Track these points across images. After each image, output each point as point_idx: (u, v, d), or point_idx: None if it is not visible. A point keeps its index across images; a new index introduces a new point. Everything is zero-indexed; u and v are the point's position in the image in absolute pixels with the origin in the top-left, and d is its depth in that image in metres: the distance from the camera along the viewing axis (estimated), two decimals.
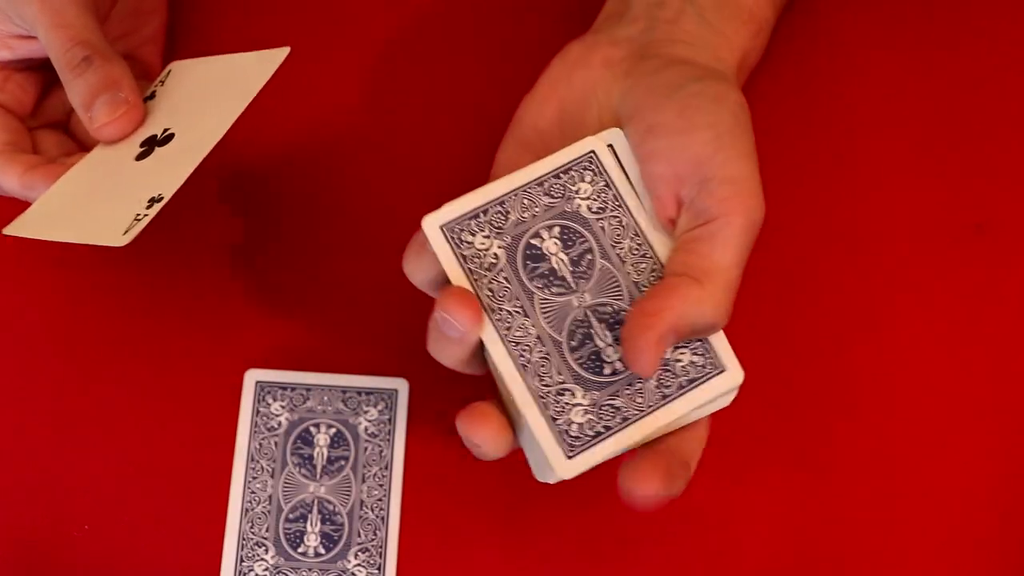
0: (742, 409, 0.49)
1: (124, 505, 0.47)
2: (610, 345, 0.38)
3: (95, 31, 0.45)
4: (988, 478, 0.49)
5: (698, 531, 0.48)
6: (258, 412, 0.48)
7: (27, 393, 0.48)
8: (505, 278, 0.38)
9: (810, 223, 0.51)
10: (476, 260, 0.38)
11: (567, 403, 0.37)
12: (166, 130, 0.44)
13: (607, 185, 0.39)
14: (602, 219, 0.39)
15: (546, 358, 0.37)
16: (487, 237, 0.38)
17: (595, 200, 0.39)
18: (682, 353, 0.38)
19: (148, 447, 0.48)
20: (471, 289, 0.38)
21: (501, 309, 0.38)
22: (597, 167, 0.39)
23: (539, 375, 0.37)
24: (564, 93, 0.42)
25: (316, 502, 0.47)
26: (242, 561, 0.46)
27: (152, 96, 0.47)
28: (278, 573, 0.46)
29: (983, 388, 0.50)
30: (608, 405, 0.37)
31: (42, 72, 0.48)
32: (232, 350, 0.49)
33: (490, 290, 0.38)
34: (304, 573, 0.46)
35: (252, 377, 0.49)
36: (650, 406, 0.37)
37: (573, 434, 0.37)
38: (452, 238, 0.38)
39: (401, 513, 0.47)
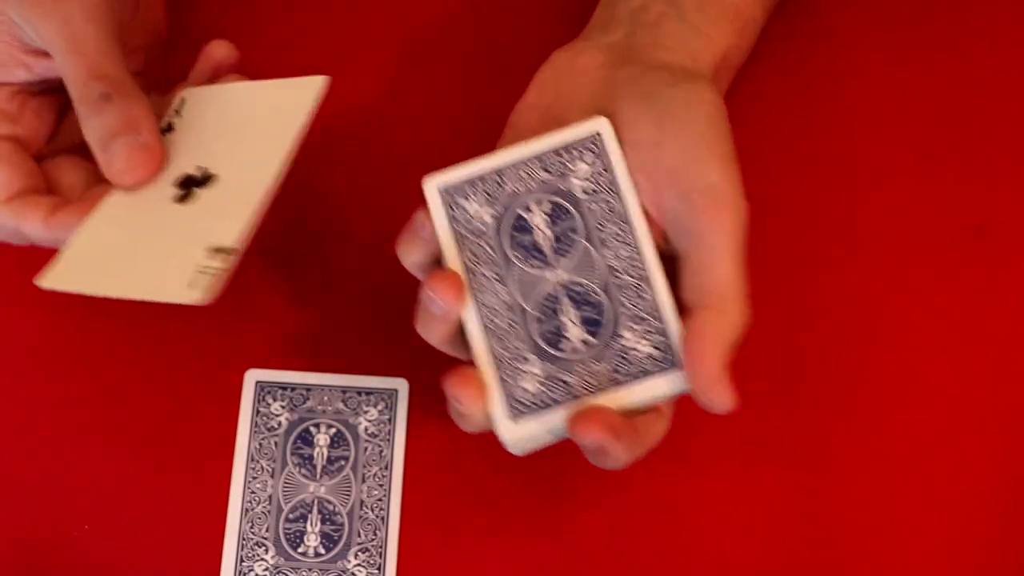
0: (742, 409, 0.49)
1: (124, 505, 0.47)
2: (574, 324, 0.39)
3: (116, 61, 0.42)
4: (988, 478, 0.49)
5: (698, 531, 0.48)
6: (258, 412, 0.48)
7: (27, 393, 0.48)
8: (489, 245, 0.40)
9: (810, 224, 0.51)
10: (466, 224, 0.40)
11: (521, 370, 0.39)
12: (203, 169, 0.43)
13: (605, 169, 0.40)
14: (593, 201, 0.40)
15: (512, 325, 0.39)
16: (480, 204, 0.40)
17: (590, 182, 0.40)
18: (643, 344, 0.39)
19: (148, 447, 0.48)
20: (456, 251, 0.40)
21: (480, 273, 0.40)
22: (599, 148, 0.40)
23: (501, 339, 0.39)
24: (550, 100, 0.43)
25: (316, 502, 0.47)
26: (242, 561, 0.46)
27: (170, 128, 0.45)
28: (278, 573, 0.46)
29: (983, 388, 0.50)
30: (560, 380, 0.39)
31: (60, 95, 0.45)
32: (232, 350, 0.49)
33: (472, 253, 0.40)
34: (304, 573, 0.46)
35: (252, 377, 0.49)
36: (599, 387, 0.38)
37: (519, 398, 0.39)
38: (447, 200, 0.40)
39: (401, 513, 0.47)
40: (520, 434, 0.39)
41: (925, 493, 0.48)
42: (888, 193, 0.52)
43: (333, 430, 0.48)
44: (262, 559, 0.46)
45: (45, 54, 0.43)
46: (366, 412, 0.49)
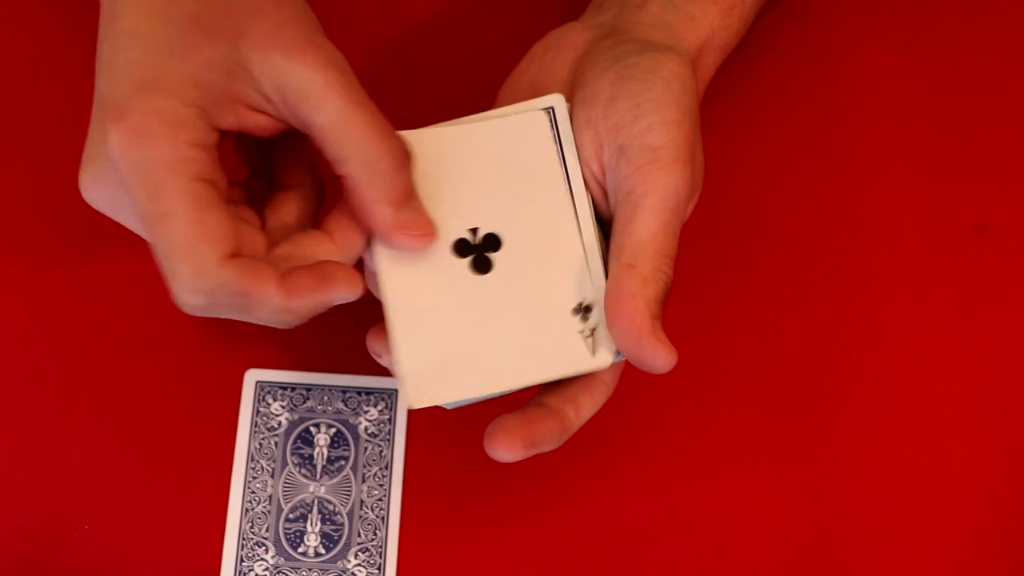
0: (742, 409, 0.49)
1: (124, 505, 0.47)
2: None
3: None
4: (988, 478, 0.49)
5: (698, 531, 0.48)
6: (258, 412, 0.48)
7: (27, 393, 0.48)
8: None
9: (810, 223, 0.51)
10: None
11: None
12: (473, 231, 0.40)
13: (554, 141, 0.40)
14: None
15: None
16: None
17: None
18: None
19: (148, 447, 0.48)
20: None
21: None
22: (551, 122, 0.41)
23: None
24: (536, 72, 0.43)
25: (316, 502, 0.47)
26: (242, 561, 0.46)
27: None
28: (278, 573, 0.46)
29: (983, 388, 0.50)
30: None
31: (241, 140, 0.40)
32: (232, 350, 0.49)
33: None
34: (304, 573, 0.46)
35: (252, 377, 0.49)
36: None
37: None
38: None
39: (401, 513, 0.47)
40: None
41: (925, 492, 0.48)
42: (887, 192, 0.52)
43: (333, 430, 0.48)
44: (262, 559, 0.46)
45: (262, 113, 0.37)
46: (366, 412, 0.49)
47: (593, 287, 0.39)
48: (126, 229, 0.50)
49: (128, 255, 0.50)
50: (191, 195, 0.35)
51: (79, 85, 0.51)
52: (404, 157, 0.37)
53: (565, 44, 0.43)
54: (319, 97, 0.36)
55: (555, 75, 0.43)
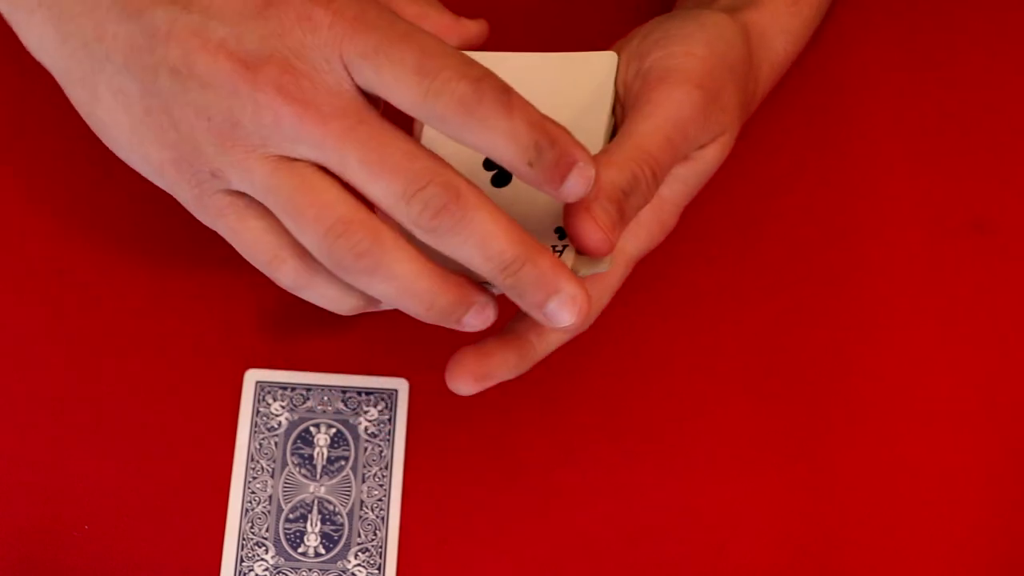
0: (742, 409, 0.49)
1: (124, 505, 0.47)
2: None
3: None
4: (988, 477, 0.49)
5: (698, 531, 0.48)
6: (258, 412, 0.48)
7: (27, 393, 0.48)
8: None
9: (809, 221, 0.51)
10: None
11: None
12: None
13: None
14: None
15: None
16: None
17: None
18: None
19: (148, 447, 0.48)
20: None
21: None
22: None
23: None
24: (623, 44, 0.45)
25: (316, 502, 0.47)
26: (242, 561, 0.46)
27: None
28: (278, 573, 0.46)
29: (984, 386, 0.50)
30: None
31: None
32: (232, 350, 0.49)
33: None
34: (304, 573, 0.46)
35: (252, 377, 0.49)
36: None
37: None
38: None
39: (401, 513, 0.47)
40: None
41: (925, 492, 0.48)
42: (887, 190, 0.52)
43: (333, 430, 0.48)
44: (262, 559, 0.46)
45: None
46: (366, 412, 0.49)
47: None
48: (126, 229, 0.50)
49: (128, 255, 0.50)
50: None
51: None
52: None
53: (644, 30, 0.44)
54: None
55: (629, 51, 0.44)
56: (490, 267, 0.35)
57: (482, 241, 0.35)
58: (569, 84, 0.42)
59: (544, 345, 0.41)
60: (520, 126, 0.34)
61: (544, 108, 0.39)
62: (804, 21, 0.47)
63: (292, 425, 0.48)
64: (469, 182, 0.35)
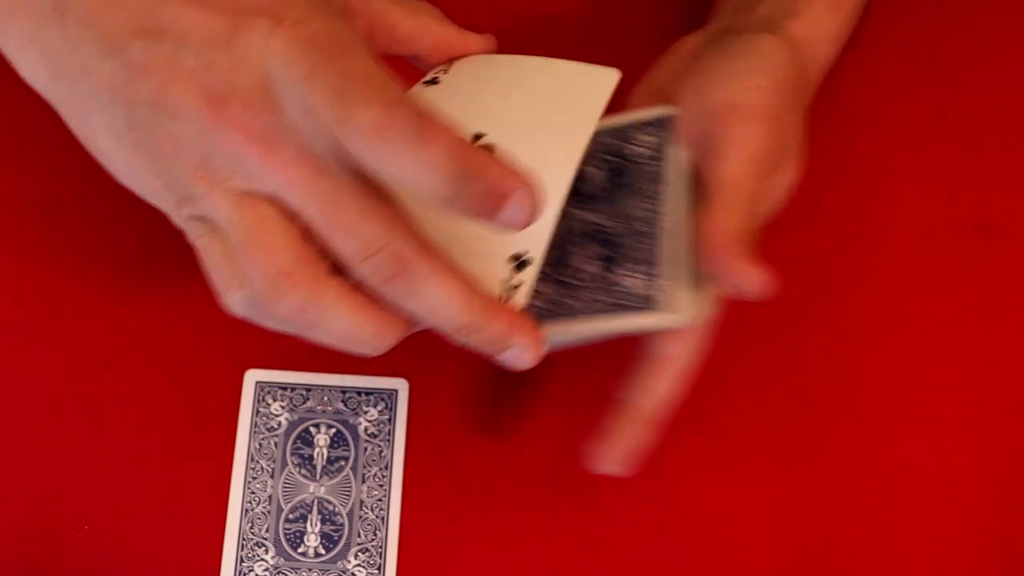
0: (742, 409, 0.49)
1: (124, 505, 0.47)
2: (574, 253, 0.41)
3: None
4: (989, 477, 0.49)
5: (698, 531, 0.48)
6: (258, 412, 0.48)
7: (27, 393, 0.48)
8: None
9: (813, 223, 0.51)
10: None
11: (538, 291, 0.41)
12: (479, 137, 0.39)
13: (662, 142, 0.42)
14: (646, 165, 0.42)
15: (549, 251, 0.40)
16: None
17: (648, 149, 0.43)
18: (628, 278, 0.40)
19: (148, 447, 0.48)
20: None
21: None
22: (666, 127, 0.43)
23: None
24: (661, 76, 0.47)
25: (316, 502, 0.47)
26: (242, 561, 0.46)
27: (434, 81, 0.42)
28: (278, 573, 0.46)
29: (985, 387, 0.50)
30: (561, 301, 0.41)
31: None
32: (232, 350, 0.49)
33: None
34: (304, 573, 0.46)
35: (252, 377, 0.49)
36: (584, 314, 0.40)
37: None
38: None
39: (401, 513, 0.47)
40: None
41: (927, 493, 0.48)
42: (890, 192, 0.52)
43: (333, 430, 0.48)
44: (262, 559, 0.46)
45: None
46: (366, 412, 0.49)
47: (538, 245, 0.38)
48: (126, 230, 0.50)
49: (129, 255, 0.50)
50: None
51: None
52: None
53: (685, 49, 0.47)
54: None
55: (670, 71, 0.46)
56: (443, 329, 0.37)
57: (431, 309, 0.36)
58: (565, 91, 0.41)
59: (652, 399, 0.42)
60: (438, 155, 0.32)
61: (532, 110, 0.40)
62: (843, 23, 0.48)
63: (292, 425, 0.48)
64: (421, 246, 0.35)
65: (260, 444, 0.48)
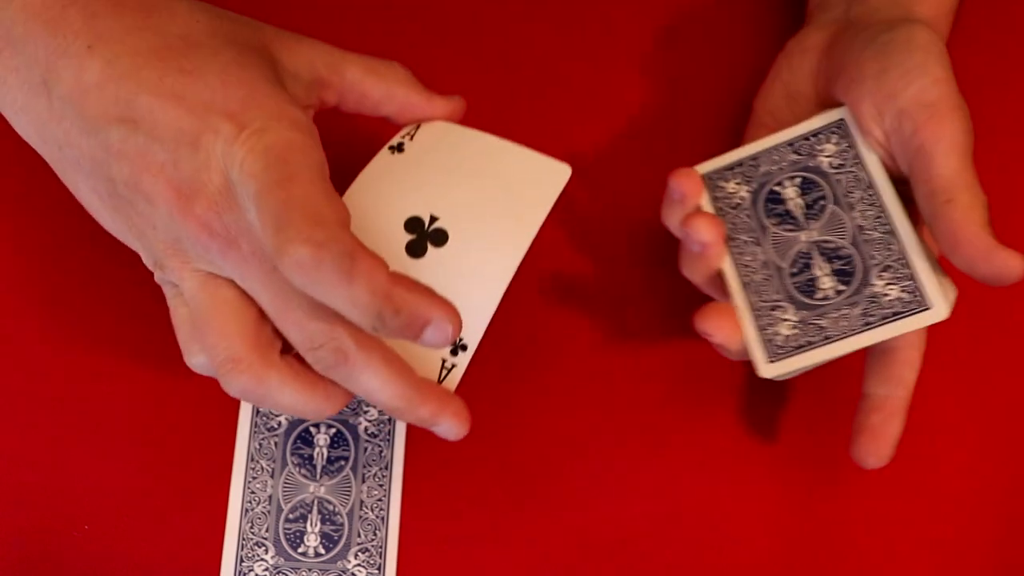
0: (743, 409, 0.49)
1: (124, 505, 0.47)
2: (826, 275, 0.43)
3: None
4: (989, 478, 0.49)
5: (698, 531, 0.48)
6: (258, 412, 0.48)
7: (27, 393, 0.48)
8: (747, 215, 0.45)
9: None
10: (725, 200, 0.46)
11: (778, 317, 0.43)
12: (433, 218, 0.41)
13: (850, 146, 0.45)
14: (840, 173, 0.44)
15: (768, 280, 0.44)
16: (738, 184, 0.46)
17: (836, 158, 0.45)
18: (893, 289, 0.42)
19: (148, 447, 0.48)
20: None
21: (738, 238, 0.45)
22: (844, 131, 0.45)
23: (758, 293, 0.44)
24: (787, 77, 0.49)
25: (316, 502, 0.47)
26: (242, 561, 0.46)
27: (400, 148, 0.44)
28: (278, 573, 0.46)
29: (985, 387, 0.50)
30: (814, 324, 0.43)
31: None
32: None
33: (732, 223, 0.45)
34: (304, 573, 0.46)
35: None
36: (852, 330, 0.42)
37: (777, 343, 0.43)
38: (708, 184, 0.46)
39: (401, 513, 0.47)
40: (776, 372, 0.43)
41: (926, 493, 0.48)
42: None
43: (333, 430, 0.48)
44: (262, 559, 0.46)
45: None
46: (366, 412, 0.49)
47: (475, 333, 0.40)
48: None
49: (128, 255, 0.50)
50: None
51: None
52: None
53: (807, 46, 0.48)
54: (343, 57, 0.43)
55: (805, 72, 0.48)
56: (380, 407, 0.41)
57: (368, 392, 0.39)
58: (519, 181, 0.42)
59: (909, 392, 0.45)
60: (361, 294, 0.35)
61: (486, 196, 0.42)
62: None
63: (292, 425, 0.48)
64: (361, 340, 0.39)
65: (260, 444, 0.48)
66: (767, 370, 0.43)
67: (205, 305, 0.40)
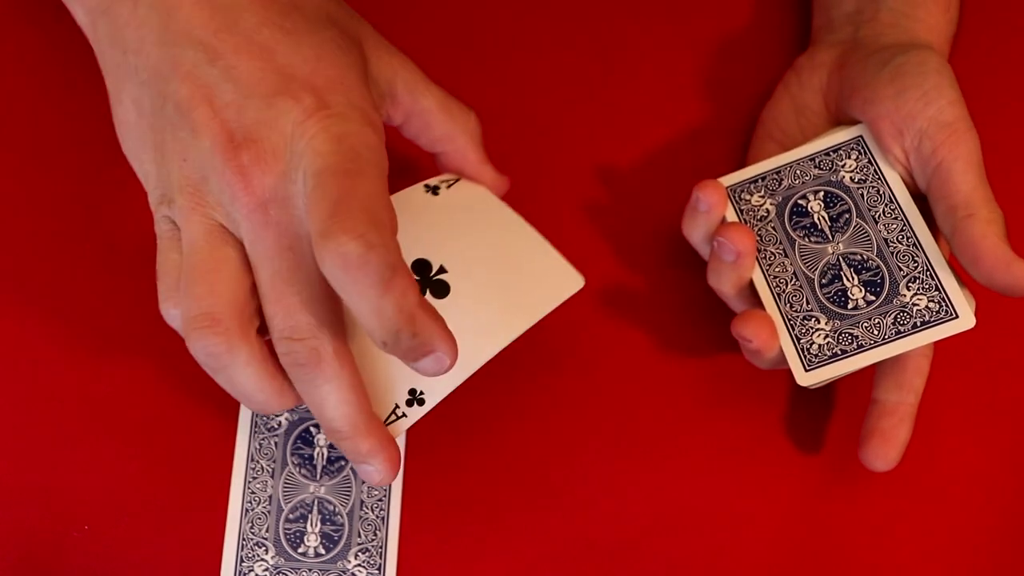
0: (743, 408, 0.50)
1: (124, 505, 0.47)
2: (855, 285, 0.44)
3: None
4: (989, 478, 0.49)
5: (698, 531, 0.48)
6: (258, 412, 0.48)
7: (27, 393, 0.48)
8: (773, 227, 0.46)
9: None
10: (751, 213, 0.47)
11: (812, 327, 0.44)
12: (442, 271, 0.41)
13: (870, 162, 0.46)
14: (862, 188, 0.46)
15: (799, 290, 0.45)
16: (762, 197, 0.47)
17: (858, 173, 0.46)
18: (921, 300, 0.43)
19: (148, 447, 0.48)
20: None
21: (766, 250, 0.46)
22: (863, 148, 0.46)
23: (790, 303, 0.45)
24: (796, 91, 0.51)
25: (316, 502, 0.47)
26: (242, 561, 0.46)
27: (435, 191, 0.45)
28: (278, 573, 0.46)
29: (985, 387, 0.50)
30: (847, 333, 0.44)
31: None
32: None
33: (759, 235, 0.46)
34: (304, 573, 0.46)
35: None
36: (885, 339, 0.43)
37: (813, 352, 0.44)
38: (733, 196, 0.47)
39: (401, 513, 0.47)
40: (814, 380, 0.44)
41: (926, 493, 0.48)
42: None
43: None
44: (262, 559, 0.46)
45: None
46: None
47: (438, 393, 0.41)
48: (127, 229, 0.50)
49: (128, 255, 0.50)
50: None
51: (79, 85, 0.51)
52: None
53: (816, 63, 0.50)
54: (425, 85, 0.43)
55: (814, 87, 0.50)
56: (320, 423, 0.40)
57: (319, 404, 0.39)
58: (531, 275, 0.43)
59: (918, 398, 0.46)
60: (389, 308, 0.35)
61: (496, 275, 0.42)
62: (953, 22, 0.51)
63: (292, 425, 0.48)
64: (338, 352, 0.38)
65: (260, 444, 0.48)
66: (805, 378, 0.44)
67: (203, 255, 0.38)
